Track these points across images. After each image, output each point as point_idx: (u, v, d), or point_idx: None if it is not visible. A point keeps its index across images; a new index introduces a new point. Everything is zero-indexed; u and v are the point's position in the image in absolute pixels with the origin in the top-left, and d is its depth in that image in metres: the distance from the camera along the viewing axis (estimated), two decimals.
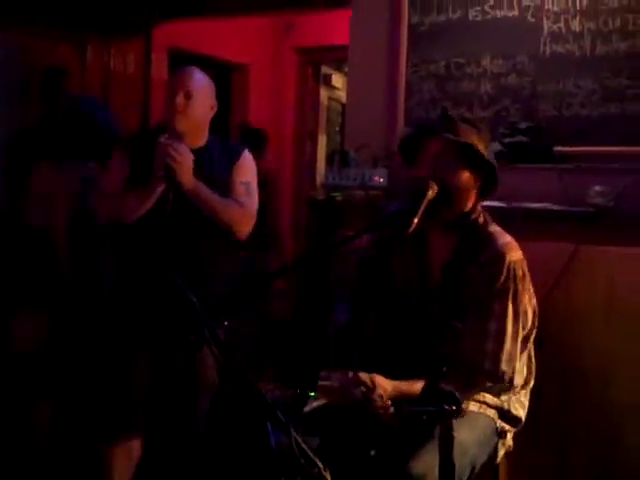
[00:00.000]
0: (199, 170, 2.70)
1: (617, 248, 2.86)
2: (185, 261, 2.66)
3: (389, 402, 2.07)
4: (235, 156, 2.85)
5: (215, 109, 2.84)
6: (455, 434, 1.72)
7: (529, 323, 2.31)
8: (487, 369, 2.20)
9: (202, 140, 2.81)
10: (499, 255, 2.22)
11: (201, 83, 2.78)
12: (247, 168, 2.88)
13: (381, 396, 2.07)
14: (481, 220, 2.32)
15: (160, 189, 2.66)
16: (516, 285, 2.22)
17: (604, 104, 3.11)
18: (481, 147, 2.24)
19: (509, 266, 2.21)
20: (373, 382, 2.09)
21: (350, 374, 2.11)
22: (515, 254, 2.25)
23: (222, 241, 2.81)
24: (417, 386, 2.09)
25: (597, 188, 2.92)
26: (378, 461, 2.13)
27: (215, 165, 2.80)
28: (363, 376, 2.10)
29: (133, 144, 2.84)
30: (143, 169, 2.67)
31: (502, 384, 2.24)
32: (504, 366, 2.21)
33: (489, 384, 2.24)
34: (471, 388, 2.22)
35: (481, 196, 2.32)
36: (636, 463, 2.87)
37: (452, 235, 2.32)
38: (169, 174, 2.61)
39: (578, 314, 2.93)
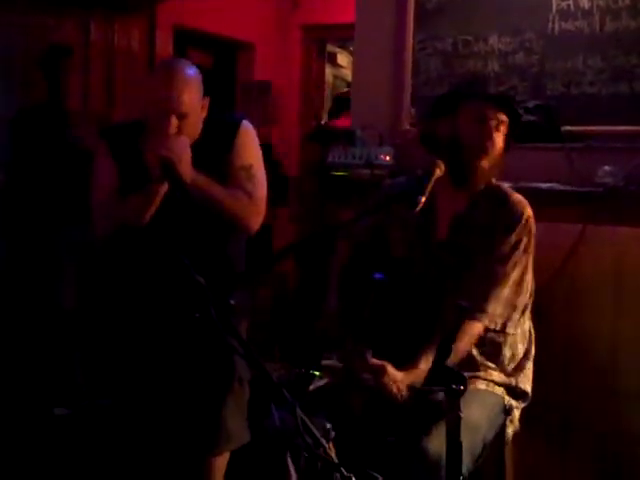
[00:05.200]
0: (196, 164, 2.42)
1: (626, 228, 2.83)
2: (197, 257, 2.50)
3: (404, 388, 2.10)
4: (231, 136, 2.54)
5: (206, 105, 2.53)
6: (466, 413, 1.72)
7: (528, 290, 2.36)
8: (485, 309, 2.26)
9: (196, 135, 2.52)
10: (517, 208, 2.33)
11: (193, 91, 2.46)
12: (245, 147, 2.57)
13: (394, 381, 2.10)
14: (494, 180, 2.42)
15: (163, 190, 2.41)
16: (529, 239, 2.32)
17: (613, 83, 3.08)
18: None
19: (527, 220, 2.32)
20: (384, 369, 2.11)
21: (362, 359, 2.14)
22: (531, 211, 2.35)
23: (233, 236, 2.61)
24: (425, 366, 2.10)
25: (606, 168, 2.89)
26: (391, 439, 2.14)
27: (212, 154, 2.51)
28: (374, 362, 2.14)
29: (113, 140, 2.58)
30: (132, 167, 2.44)
31: (495, 328, 2.29)
32: (500, 309, 2.28)
33: (482, 324, 2.27)
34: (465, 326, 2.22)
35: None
36: None
37: (463, 195, 2.38)
38: (168, 171, 2.33)
39: (586, 295, 2.91)
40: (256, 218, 2.55)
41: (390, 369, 2.13)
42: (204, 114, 2.53)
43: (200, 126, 2.53)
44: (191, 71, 2.48)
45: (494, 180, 2.41)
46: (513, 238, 2.29)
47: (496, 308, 2.28)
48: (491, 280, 2.27)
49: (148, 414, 2.55)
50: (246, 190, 2.51)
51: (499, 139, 2.32)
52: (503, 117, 2.32)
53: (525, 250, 2.31)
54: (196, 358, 2.50)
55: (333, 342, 2.41)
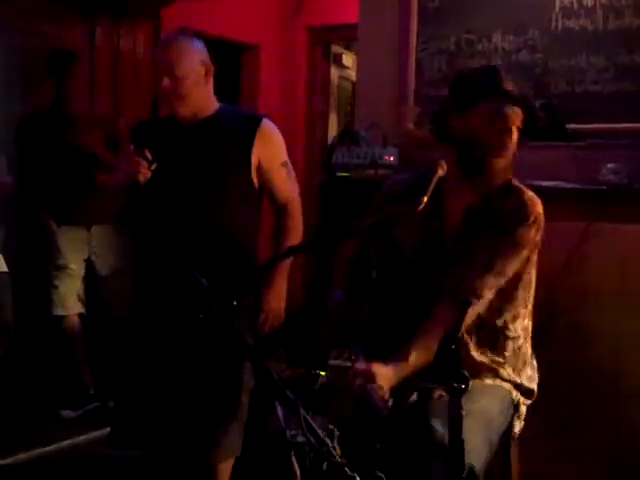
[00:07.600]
0: (207, 146, 2.48)
1: (629, 226, 2.83)
2: (203, 234, 2.51)
3: (387, 395, 1.99)
4: (252, 129, 2.53)
5: (212, 70, 2.58)
6: (482, 405, 1.70)
7: (532, 286, 2.32)
8: (468, 287, 2.16)
9: (209, 108, 2.56)
10: (530, 203, 2.27)
11: (184, 54, 2.50)
12: (277, 143, 2.60)
13: (381, 388, 1.98)
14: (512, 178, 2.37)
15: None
16: (537, 234, 2.26)
17: (617, 81, 3.08)
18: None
19: (538, 216, 2.26)
20: (372, 373, 1.99)
21: (349, 365, 2.08)
22: (541, 208, 2.29)
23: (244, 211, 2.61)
24: (415, 359, 2.03)
25: (610, 166, 2.89)
26: (400, 425, 2.10)
27: (227, 140, 2.51)
28: (360, 367, 2.02)
29: (142, 134, 2.63)
30: (161, 157, 2.48)
31: (467, 299, 2.13)
32: (484, 291, 2.17)
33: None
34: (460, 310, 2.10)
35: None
36: None
37: (477, 190, 2.31)
38: None
39: (590, 293, 2.91)
40: (301, 218, 2.68)
41: (377, 369, 2.00)
42: (209, 83, 2.57)
43: (208, 96, 2.57)
44: (187, 39, 2.57)
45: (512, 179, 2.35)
46: (521, 232, 2.23)
47: (483, 291, 2.18)
48: (486, 270, 2.20)
49: (150, 417, 2.56)
50: (290, 193, 2.63)
51: (515, 136, 2.26)
52: (519, 112, 2.25)
53: (532, 246, 2.26)
54: (202, 364, 2.49)
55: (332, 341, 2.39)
